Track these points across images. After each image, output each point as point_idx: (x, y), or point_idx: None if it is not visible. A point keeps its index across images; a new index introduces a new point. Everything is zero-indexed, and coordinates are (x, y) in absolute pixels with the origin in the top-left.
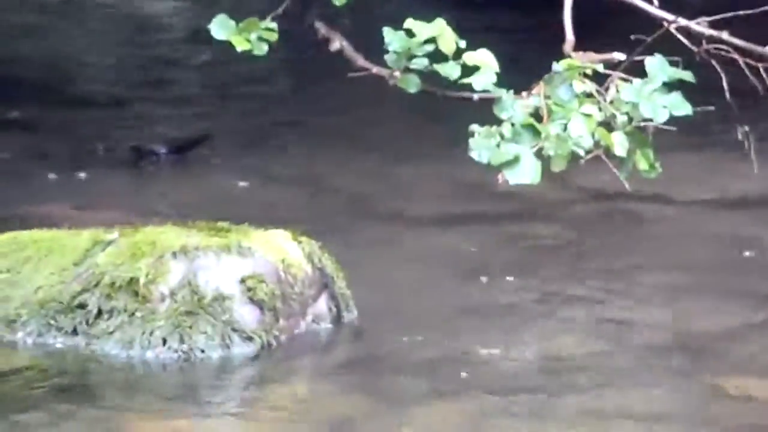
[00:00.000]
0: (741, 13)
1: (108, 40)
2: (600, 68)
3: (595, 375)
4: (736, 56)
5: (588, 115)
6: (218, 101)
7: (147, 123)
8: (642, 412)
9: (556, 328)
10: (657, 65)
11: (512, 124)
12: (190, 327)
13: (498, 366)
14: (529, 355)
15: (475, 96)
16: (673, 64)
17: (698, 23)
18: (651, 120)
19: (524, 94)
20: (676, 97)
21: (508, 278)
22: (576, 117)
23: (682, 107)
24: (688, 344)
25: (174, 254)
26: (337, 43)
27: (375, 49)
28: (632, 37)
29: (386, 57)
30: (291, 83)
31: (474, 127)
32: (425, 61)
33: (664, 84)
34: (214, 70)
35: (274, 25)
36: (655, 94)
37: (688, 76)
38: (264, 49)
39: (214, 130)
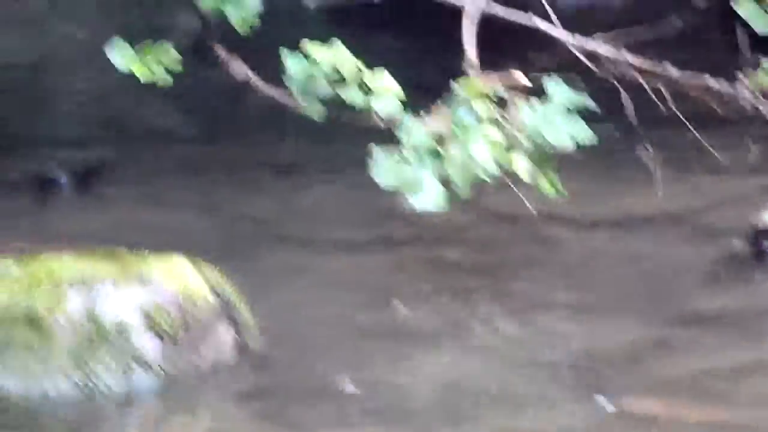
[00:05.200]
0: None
1: None
2: (501, 89)
3: (498, 397)
4: (636, 76)
5: (492, 139)
6: (116, 128)
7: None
8: None
9: (460, 351)
10: (557, 89)
11: (415, 148)
12: (90, 359)
13: (402, 391)
14: (434, 379)
15: (379, 121)
16: (574, 85)
17: (596, 41)
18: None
19: (426, 117)
20: (580, 124)
21: (415, 303)
22: (479, 141)
23: (586, 136)
24: (590, 365)
25: (72, 283)
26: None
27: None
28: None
29: (287, 83)
30: (189, 101)
31: (374, 149)
32: (328, 88)
33: (567, 108)
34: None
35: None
36: (558, 120)
37: (590, 104)
38: (169, 80)
39: (113, 157)
